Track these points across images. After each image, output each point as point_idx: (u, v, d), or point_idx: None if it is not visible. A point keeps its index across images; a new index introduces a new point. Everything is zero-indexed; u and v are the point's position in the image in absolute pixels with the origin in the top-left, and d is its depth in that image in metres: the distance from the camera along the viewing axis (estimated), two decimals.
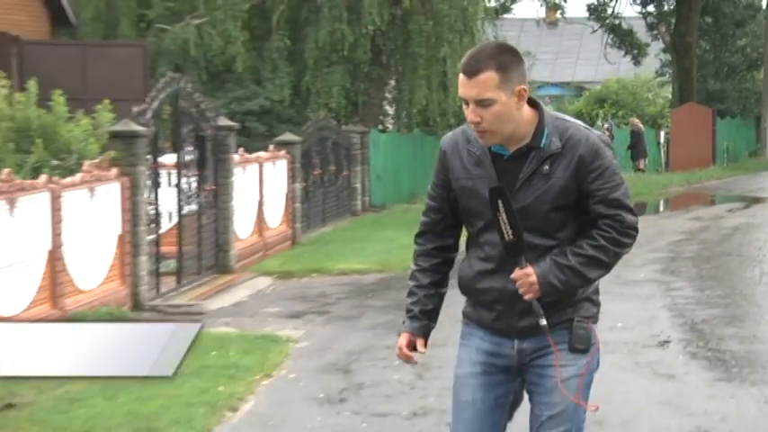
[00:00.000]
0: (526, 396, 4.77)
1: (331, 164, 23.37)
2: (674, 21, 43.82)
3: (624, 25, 45.23)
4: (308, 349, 11.21)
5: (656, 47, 46.05)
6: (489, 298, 4.63)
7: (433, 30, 26.80)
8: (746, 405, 8.94)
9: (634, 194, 29.93)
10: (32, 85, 14.95)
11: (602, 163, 4.52)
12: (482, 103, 4.40)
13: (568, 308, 4.62)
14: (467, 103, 4.44)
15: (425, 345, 4.74)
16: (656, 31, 45.36)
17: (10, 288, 11.62)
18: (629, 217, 4.56)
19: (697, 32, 42.58)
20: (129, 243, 14.23)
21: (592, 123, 40.73)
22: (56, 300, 12.48)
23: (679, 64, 43.74)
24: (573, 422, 4.69)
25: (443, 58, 27.05)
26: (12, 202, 11.74)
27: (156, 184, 15.31)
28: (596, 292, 4.74)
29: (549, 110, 4.60)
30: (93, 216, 13.38)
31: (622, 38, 44.89)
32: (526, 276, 4.46)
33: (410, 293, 4.79)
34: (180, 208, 16.13)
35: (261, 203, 19.18)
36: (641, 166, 37.70)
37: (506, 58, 4.46)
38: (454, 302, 4.84)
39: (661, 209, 28.83)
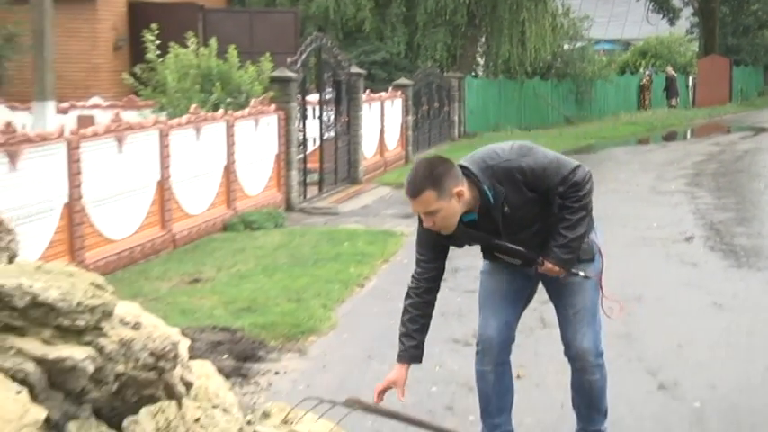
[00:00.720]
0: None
1: (435, 102, 23.32)
2: None
3: None
4: (415, 241, 11.21)
5: (686, 12, 45.47)
6: (516, 264, 4.59)
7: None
8: (752, 285, 8.85)
9: (666, 126, 30.10)
10: (213, 42, 15.03)
11: (535, 173, 4.33)
12: (430, 214, 4.25)
13: (576, 254, 4.53)
14: (420, 215, 4.32)
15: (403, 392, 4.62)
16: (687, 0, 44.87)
17: (198, 194, 11.77)
18: (577, 176, 4.37)
19: (719, 0, 42.00)
20: (284, 161, 14.37)
21: (636, 71, 40.22)
22: (229, 203, 12.62)
23: (704, 25, 43.31)
24: (593, 318, 4.64)
25: (522, 20, 26.93)
26: (198, 130, 11.87)
27: (304, 117, 15.42)
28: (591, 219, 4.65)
29: (475, 167, 4.33)
30: (257, 140, 13.50)
31: (661, 4, 44.48)
32: (549, 269, 4.43)
33: (405, 321, 4.73)
34: (321, 134, 16.18)
35: (382, 131, 19.18)
36: (673, 104, 37.35)
37: (438, 173, 4.21)
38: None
39: (688, 136, 28.41)
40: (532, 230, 4.45)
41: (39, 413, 2.67)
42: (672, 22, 45.05)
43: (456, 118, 26.17)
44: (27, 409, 2.64)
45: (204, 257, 10.39)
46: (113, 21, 22.01)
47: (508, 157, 4.35)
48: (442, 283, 4.76)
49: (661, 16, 45.03)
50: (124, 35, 22.04)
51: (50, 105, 12.63)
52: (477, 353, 4.77)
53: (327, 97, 16.38)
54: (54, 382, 2.82)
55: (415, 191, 4.22)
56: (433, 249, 4.55)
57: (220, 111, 13.08)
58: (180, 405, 3.07)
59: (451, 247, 4.61)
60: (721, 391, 5.97)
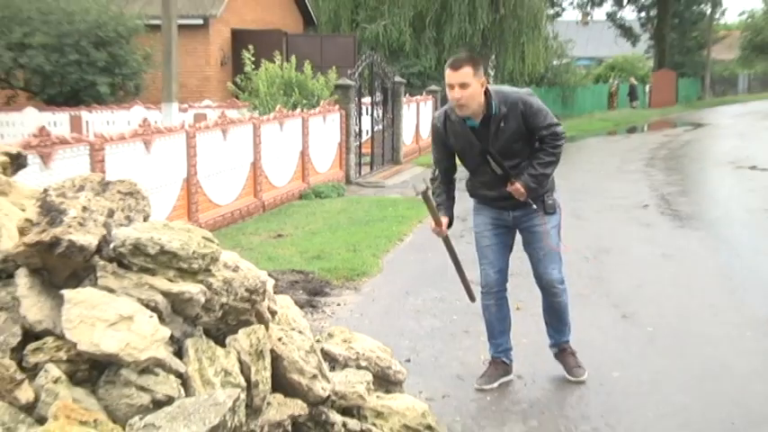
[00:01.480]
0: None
1: None
2: (656, 21, 42.69)
3: (627, 25, 44.60)
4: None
5: (645, 36, 45.24)
6: (492, 198, 4.56)
7: (517, 27, 26.30)
8: (692, 241, 8.76)
9: (629, 122, 29.84)
10: (293, 59, 15.07)
11: (533, 108, 4.38)
12: (463, 86, 4.23)
13: (539, 189, 4.49)
14: (452, 88, 4.27)
15: (450, 224, 4.64)
16: (645, 28, 44.65)
17: (281, 171, 11.80)
18: (558, 129, 4.45)
19: (669, 28, 41.67)
20: (344, 147, 14.36)
21: (606, 80, 39.79)
22: (304, 178, 12.64)
23: (658, 46, 43.36)
24: (557, 256, 4.64)
25: (522, 42, 26.66)
26: (282, 124, 11.88)
27: (360, 114, 15.33)
28: (553, 180, 4.61)
29: (493, 88, 4.41)
30: (324, 132, 13.49)
31: (625, 31, 44.36)
32: (516, 189, 4.41)
33: (436, 197, 4.62)
34: (372, 127, 16.14)
35: (417, 125, 19.11)
36: (635, 106, 37.14)
37: (476, 59, 4.39)
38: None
39: (645, 130, 28.07)
40: (512, 162, 4.42)
41: (165, 332, 2.69)
42: (633, 44, 45.49)
43: None
44: (157, 329, 2.66)
45: (285, 219, 10.44)
46: (220, 43, 22.05)
47: (517, 91, 4.48)
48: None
49: (626, 40, 44.96)
50: (228, 54, 22.09)
51: (174, 106, 12.68)
52: (482, 293, 4.77)
53: (377, 100, 16.34)
54: (176, 309, 2.84)
55: (457, 64, 4.29)
56: (443, 152, 4.59)
57: (298, 110, 13.08)
58: (267, 328, 3.08)
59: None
60: (668, 318, 5.93)
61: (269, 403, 2.92)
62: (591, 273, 7.25)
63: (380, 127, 16.40)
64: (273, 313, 3.25)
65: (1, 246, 2.92)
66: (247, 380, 2.85)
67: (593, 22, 54.99)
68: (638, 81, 39.32)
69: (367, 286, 7.00)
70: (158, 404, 2.56)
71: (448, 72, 4.29)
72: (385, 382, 3.54)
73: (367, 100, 16.08)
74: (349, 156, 14.43)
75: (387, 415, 3.30)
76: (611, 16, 45.32)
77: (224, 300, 2.92)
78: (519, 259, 4.86)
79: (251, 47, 15.67)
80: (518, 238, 4.74)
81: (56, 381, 2.51)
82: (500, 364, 4.73)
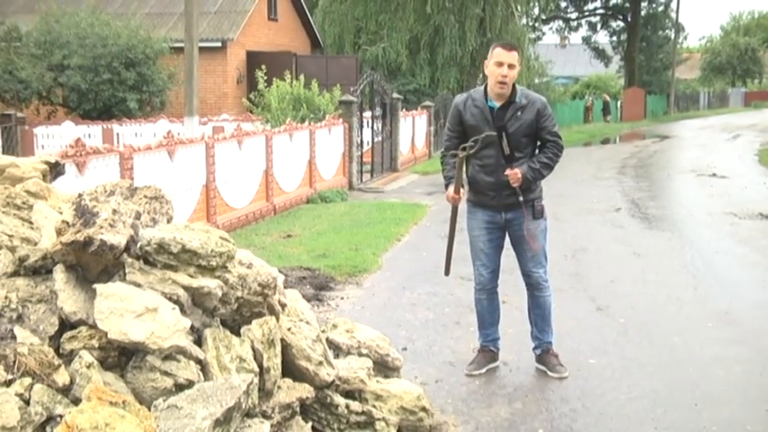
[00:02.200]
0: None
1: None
2: (626, 45, 42.77)
3: (600, 47, 44.65)
4: (435, 210, 11.17)
5: (616, 58, 45.29)
6: (488, 187, 4.49)
7: None
8: (659, 241, 8.72)
9: (603, 134, 29.84)
10: (302, 77, 15.03)
11: (547, 112, 4.47)
12: (511, 67, 4.32)
13: (531, 194, 4.49)
14: (501, 65, 4.32)
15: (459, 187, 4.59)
16: (616, 50, 44.79)
17: (290, 178, 11.78)
18: (560, 142, 4.53)
19: (637, 51, 41.74)
20: (347, 156, 14.30)
21: (582, 97, 39.82)
22: (311, 184, 12.61)
23: (628, 67, 43.17)
24: (543, 256, 4.62)
25: None
26: (291, 136, 11.86)
27: (361, 127, 15.29)
28: (541, 189, 4.61)
29: (518, 85, 4.50)
30: (329, 143, 13.45)
31: (599, 53, 44.34)
32: (515, 173, 4.38)
33: (447, 172, 4.60)
34: (372, 139, 16.08)
35: (413, 136, 19.05)
36: (608, 120, 37.05)
37: (519, 51, 4.52)
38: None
39: (617, 141, 27.96)
40: (516, 157, 4.40)
41: (186, 322, 2.68)
42: (606, 65, 45.55)
43: None
44: (179, 320, 2.66)
45: (294, 221, 10.41)
46: (237, 63, 22.05)
47: (540, 95, 4.57)
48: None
49: (599, 61, 45.10)
50: (243, 73, 22.10)
51: (195, 120, 12.66)
52: (476, 289, 4.74)
53: (377, 114, 16.30)
54: (195, 302, 2.83)
55: (509, 47, 4.45)
56: (457, 128, 4.56)
57: (306, 123, 13.06)
58: (278, 319, 3.07)
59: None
60: (638, 311, 5.91)
61: (279, 387, 2.91)
62: (569, 270, 7.23)
63: (380, 138, 16.37)
64: (283, 306, 3.24)
65: (41, 244, 2.91)
66: (260, 366, 2.85)
67: (570, 45, 55.18)
68: (611, 98, 39.31)
69: (368, 282, 6.97)
70: (180, 387, 2.55)
71: (499, 51, 4.36)
72: (384, 368, 3.52)
73: (368, 114, 16.04)
74: (351, 164, 14.40)
75: (385, 398, 3.29)
76: (586, 40, 45.32)
77: (239, 293, 2.91)
78: (505, 257, 4.84)
79: (264, 67, 15.66)
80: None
81: (89, 366, 2.50)
82: (488, 352, 4.71)
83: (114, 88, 16.93)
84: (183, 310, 2.72)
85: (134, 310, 2.59)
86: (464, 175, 4.57)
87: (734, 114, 45.04)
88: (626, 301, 6.19)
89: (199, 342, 2.78)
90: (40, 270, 2.83)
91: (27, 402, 2.35)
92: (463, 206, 4.63)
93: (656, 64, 44.36)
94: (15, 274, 2.82)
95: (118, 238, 2.71)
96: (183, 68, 13.65)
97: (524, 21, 28.65)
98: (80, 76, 16.62)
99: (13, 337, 2.55)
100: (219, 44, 21.25)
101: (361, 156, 15.11)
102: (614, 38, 44.73)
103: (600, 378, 4.54)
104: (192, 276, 2.79)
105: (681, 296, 6.34)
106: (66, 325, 2.67)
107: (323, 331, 3.45)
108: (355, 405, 3.14)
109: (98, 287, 2.64)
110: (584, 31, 45.55)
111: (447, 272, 4.81)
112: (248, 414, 2.64)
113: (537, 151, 4.52)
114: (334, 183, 13.50)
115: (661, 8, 43.51)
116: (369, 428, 3.11)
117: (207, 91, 20.87)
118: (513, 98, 4.41)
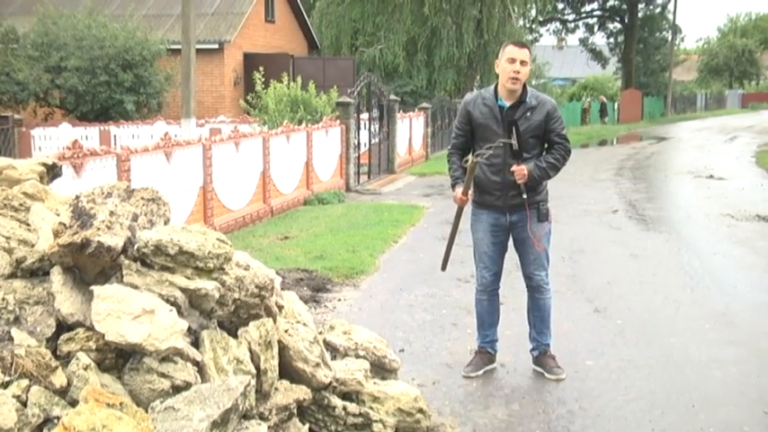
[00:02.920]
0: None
1: (446, 119, 23.02)
2: (623, 46, 42.85)
3: (597, 49, 44.78)
4: (432, 212, 11.19)
5: (613, 60, 45.42)
6: (493, 186, 4.47)
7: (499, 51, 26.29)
8: (656, 242, 8.73)
9: (600, 135, 29.89)
10: (299, 79, 15.02)
11: (557, 114, 4.49)
12: (523, 63, 4.33)
13: (537, 196, 4.49)
14: (513, 62, 4.33)
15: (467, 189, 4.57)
16: (613, 52, 44.86)
17: (287, 180, 11.77)
18: (568, 145, 4.54)
19: (634, 52, 41.82)
20: (344, 158, 14.30)
21: (579, 99, 39.87)
22: (308, 186, 12.60)
23: (625, 68, 43.27)
24: (546, 259, 4.64)
25: None
26: (288, 137, 11.86)
27: (358, 128, 15.25)
28: (547, 192, 4.61)
29: (529, 86, 4.52)
30: (327, 144, 13.45)
31: (596, 55, 44.44)
32: (521, 170, 4.37)
33: (453, 171, 4.61)
34: (370, 140, 16.07)
35: (410, 138, 19.04)
36: (605, 121, 37.08)
37: (530, 49, 4.52)
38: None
39: (614, 143, 27.98)
40: (524, 157, 4.41)
41: (183, 324, 2.68)
42: (603, 67, 45.65)
43: None
44: (176, 321, 2.66)
45: (291, 222, 10.42)
46: (234, 65, 22.06)
47: (550, 97, 4.59)
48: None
49: (596, 62, 45.19)
50: (240, 75, 22.10)
51: (192, 121, 12.66)
52: (477, 290, 4.74)
53: (374, 116, 16.31)
54: (193, 304, 2.83)
55: (521, 44, 4.49)
56: (465, 126, 4.56)
57: (303, 125, 13.06)
58: (275, 321, 3.07)
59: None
60: (635, 312, 5.92)
61: (276, 389, 2.92)
62: (567, 271, 7.24)
63: (377, 140, 16.37)
64: (281, 308, 3.25)
65: (38, 246, 2.91)
66: (257, 367, 2.85)
67: (567, 46, 55.34)
68: (608, 99, 39.38)
69: (365, 283, 6.97)
70: (177, 389, 2.56)
71: (511, 48, 4.38)
72: (381, 369, 3.53)
73: (365, 116, 16.04)
74: (349, 166, 14.40)
75: (383, 399, 3.30)
76: (583, 42, 45.39)
77: (236, 295, 2.91)
78: (505, 258, 4.83)
79: (261, 68, 15.66)
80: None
81: (86, 368, 2.50)
82: (485, 353, 4.71)
83: (111, 90, 16.93)
84: (180, 312, 2.72)
85: (131, 311, 2.59)
86: (458, 183, 4.56)
87: (731, 116, 45.14)
88: (623, 302, 6.20)
89: (196, 344, 2.78)
90: (38, 272, 2.83)
91: (24, 404, 2.35)
92: (467, 207, 4.64)
93: (653, 66, 44.47)
94: (12, 275, 2.82)
95: (115, 240, 2.71)
96: (180, 70, 13.66)
97: (521, 22, 28.72)
98: (77, 77, 16.61)
99: (11, 339, 2.55)
100: (216, 46, 21.25)
101: (359, 157, 15.11)
102: (611, 39, 44.83)
103: (597, 380, 4.55)
104: (189, 278, 2.79)
105: (678, 298, 6.35)
106: (63, 327, 2.67)
107: (320, 333, 3.45)
108: (352, 407, 3.14)
109: (95, 289, 2.65)
110: (581, 32, 45.80)
111: (444, 267, 4.81)
112: (245, 416, 2.64)
113: (544, 153, 4.53)
114: (332, 184, 13.50)
115: (658, 10, 43.63)
116: (366, 430, 3.11)
117: (204, 93, 20.87)
118: (523, 98, 4.41)
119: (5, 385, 2.38)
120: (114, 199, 2.95)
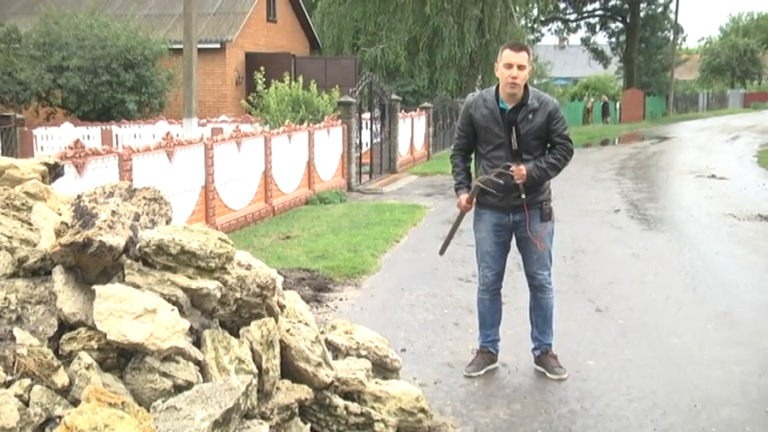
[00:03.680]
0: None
1: (447, 118, 23.01)
2: (625, 46, 42.85)
3: (599, 49, 44.75)
4: (434, 212, 11.18)
5: (615, 59, 45.42)
6: (495, 187, 4.45)
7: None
8: (658, 242, 8.72)
9: (602, 135, 29.87)
10: (300, 79, 15.03)
11: (559, 115, 4.46)
12: (521, 68, 4.29)
13: (539, 195, 4.49)
14: (510, 67, 4.28)
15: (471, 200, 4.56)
16: (615, 52, 44.86)
17: (289, 179, 11.77)
18: (570, 145, 4.52)
19: (636, 52, 41.82)
20: (346, 157, 14.29)
21: (581, 98, 39.83)
22: (310, 185, 12.61)
23: (627, 68, 43.28)
24: (549, 258, 4.64)
25: None
26: (290, 137, 11.86)
27: (360, 128, 15.26)
28: (550, 191, 4.61)
29: (531, 86, 4.47)
30: (328, 144, 13.45)
31: (598, 54, 44.42)
32: (520, 170, 4.36)
33: (456, 175, 4.62)
34: (371, 140, 16.07)
35: (412, 137, 19.04)
36: (607, 121, 37.09)
37: (529, 51, 4.46)
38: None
39: (616, 143, 27.96)
40: (524, 158, 4.40)
41: (185, 323, 2.68)
42: (605, 66, 45.60)
43: None
44: (178, 321, 2.66)
45: (293, 222, 10.42)
46: (235, 65, 22.07)
47: (552, 98, 4.54)
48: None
49: (598, 62, 45.15)
50: (242, 74, 22.11)
51: (194, 121, 12.66)
52: (479, 289, 4.73)
53: (375, 115, 16.30)
54: (194, 303, 2.83)
55: (518, 48, 4.39)
56: (467, 128, 4.55)
57: (304, 124, 13.07)
58: (277, 320, 3.07)
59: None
60: (637, 312, 5.91)
61: (278, 388, 2.92)
62: (568, 271, 7.24)
63: (379, 140, 16.37)
64: (282, 307, 3.25)
65: (40, 246, 2.91)
66: (259, 367, 2.85)
67: (569, 46, 55.31)
68: (610, 99, 39.36)
69: (366, 283, 6.97)
70: (179, 388, 2.56)
71: (507, 53, 4.33)
72: (383, 369, 3.53)
73: (366, 115, 16.04)
74: (350, 165, 14.40)
75: (384, 399, 3.29)
76: (585, 41, 45.36)
77: (238, 295, 2.91)
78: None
79: (262, 68, 15.70)
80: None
81: (88, 367, 2.50)
82: (487, 353, 4.71)
83: (113, 90, 16.94)
84: (181, 312, 2.72)
85: (133, 311, 2.60)
86: (460, 187, 4.58)
87: (733, 116, 45.08)
88: (625, 302, 6.20)
89: (198, 343, 2.78)
90: (40, 271, 2.83)
91: (26, 403, 2.35)
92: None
93: (654, 65, 44.44)
94: (15, 275, 2.82)
95: (117, 240, 2.72)
96: (181, 70, 13.67)
97: (523, 22, 28.73)
98: (79, 77, 16.63)
99: (13, 339, 2.55)
100: (218, 45, 21.27)
101: (360, 157, 15.11)
102: (613, 39, 44.79)
103: (599, 379, 4.54)
104: (190, 278, 2.79)
105: (680, 297, 6.35)
106: (65, 326, 2.67)
107: (322, 332, 3.45)
108: (354, 406, 3.14)
109: (97, 288, 2.65)
110: (582, 32, 45.70)
111: (441, 253, 4.83)
112: (247, 415, 2.64)
113: (546, 153, 4.51)
114: (333, 184, 13.50)
115: (660, 9, 43.57)
116: (367, 430, 3.11)
117: (206, 92, 20.88)
118: (525, 100, 4.38)
119: (8, 385, 2.38)
120: (116, 198, 2.95)
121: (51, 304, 2.70)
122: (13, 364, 2.44)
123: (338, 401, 3.10)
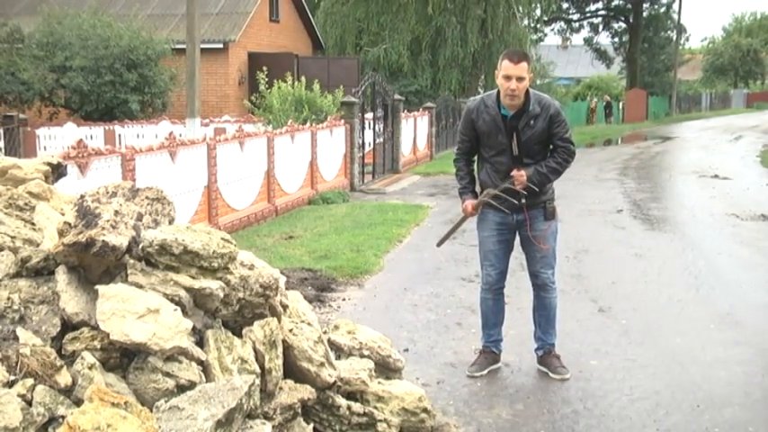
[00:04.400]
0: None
1: (450, 118, 22.99)
2: (628, 46, 42.82)
3: (602, 49, 44.73)
4: (437, 212, 11.18)
5: (618, 59, 45.39)
6: (505, 206, 4.47)
7: (503, 50, 26.21)
8: (661, 242, 8.72)
9: (604, 135, 29.83)
10: (303, 79, 15.06)
11: (560, 118, 4.44)
12: (520, 80, 4.27)
13: (542, 196, 4.49)
14: (509, 79, 4.26)
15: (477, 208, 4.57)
16: (618, 51, 44.86)
17: (292, 179, 11.77)
18: (571, 147, 4.51)
19: (639, 52, 41.78)
20: (349, 157, 14.28)
21: (584, 98, 39.79)
22: (312, 185, 12.60)
23: (630, 68, 43.30)
24: (552, 258, 4.63)
25: None
26: (293, 137, 11.86)
27: (363, 128, 15.24)
28: (553, 191, 4.61)
29: (531, 90, 4.44)
30: (331, 144, 13.45)
31: (601, 54, 44.40)
32: (519, 175, 4.38)
33: (461, 179, 4.63)
34: (374, 140, 16.03)
35: (415, 137, 19.04)
36: (610, 121, 37.04)
37: (529, 59, 4.43)
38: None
39: (619, 142, 27.96)
40: (526, 162, 4.40)
41: (188, 323, 2.68)
42: (608, 66, 45.67)
43: None
44: (181, 321, 2.66)
45: (296, 222, 10.42)
46: (238, 65, 22.08)
47: (553, 100, 4.53)
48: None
49: (601, 62, 45.12)
50: (245, 74, 22.12)
51: (197, 121, 12.68)
52: (483, 288, 4.73)
53: (378, 115, 16.28)
54: (197, 303, 2.83)
55: (517, 59, 4.33)
56: (470, 133, 4.54)
57: (307, 124, 13.07)
58: (279, 320, 3.07)
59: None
60: (640, 312, 5.91)
61: (281, 388, 2.91)
62: (571, 271, 7.23)
63: (381, 140, 16.35)
64: (285, 307, 3.24)
65: (43, 246, 2.92)
66: (261, 367, 2.84)
67: (571, 46, 55.29)
68: (613, 99, 39.34)
69: (369, 283, 6.97)
70: (182, 388, 2.55)
71: (506, 64, 4.30)
72: (385, 369, 3.52)
73: (369, 115, 16.03)
74: (353, 165, 14.40)
75: (387, 399, 3.29)
76: (588, 41, 45.37)
77: (241, 295, 2.91)
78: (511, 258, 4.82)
79: (265, 68, 15.72)
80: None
81: (91, 367, 2.50)
82: (489, 353, 4.71)
83: (116, 90, 16.96)
84: (184, 312, 2.72)
85: (136, 311, 2.59)
86: (465, 192, 4.59)
87: (736, 116, 45.04)
88: (628, 302, 6.19)
89: (200, 343, 2.78)
90: (42, 271, 2.83)
91: (29, 403, 2.35)
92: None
93: (657, 65, 44.43)
94: (18, 275, 2.83)
95: (120, 240, 2.72)
96: (184, 70, 13.68)
97: (526, 22, 28.70)
98: (82, 77, 16.65)
99: (16, 338, 2.55)
100: (221, 45, 21.28)
101: (363, 157, 15.11)
102: (616, 39, 44.81)
103: (602, 379, 4.54)
104: (193, 278, 2.79)
105: (683, 297, 6.34)
106: (68, 326, 2.67)
107: (324, 332, 3.45)
108: (357, 406, 3.13)
109: (100, 288, 2.65)
110: (585, 32, 45.86)
111: (439, 245, 4.85)
112: (250, 415, 2.64)
113: (547, 156, 4.50)
114: (336, 184, 13.50)
115: (663, 9, 43.57)
116: (370, 430, 3.11)
117: (208, 92, 20.90)
118: (526, 107, 4.37)
119: (10, 384, 2.39)
120: (119, 198, 2.95)
121: (54, 304, 2.70)
122: (17, 363, 2.44)
123: (341, 401, 3.10)
